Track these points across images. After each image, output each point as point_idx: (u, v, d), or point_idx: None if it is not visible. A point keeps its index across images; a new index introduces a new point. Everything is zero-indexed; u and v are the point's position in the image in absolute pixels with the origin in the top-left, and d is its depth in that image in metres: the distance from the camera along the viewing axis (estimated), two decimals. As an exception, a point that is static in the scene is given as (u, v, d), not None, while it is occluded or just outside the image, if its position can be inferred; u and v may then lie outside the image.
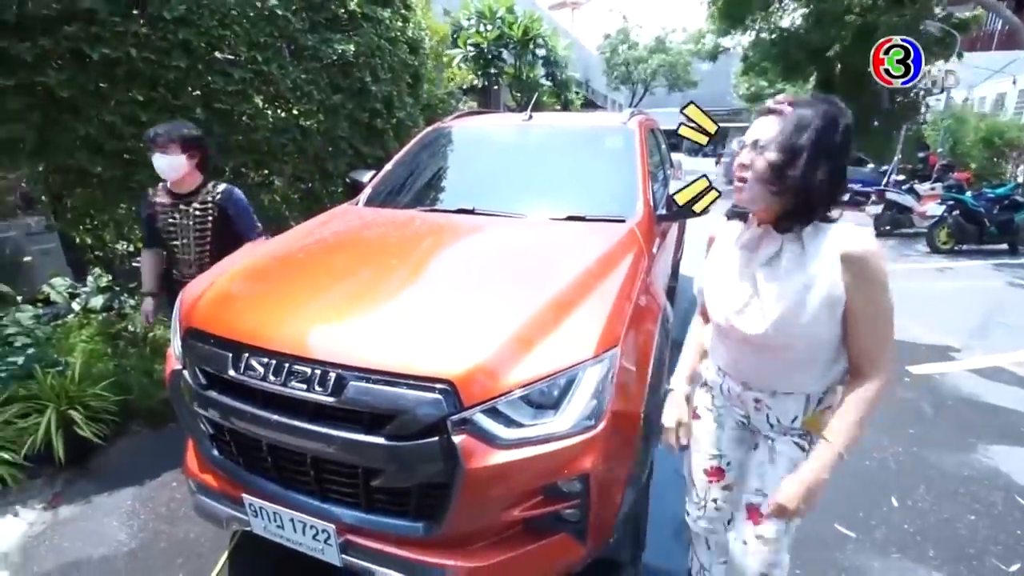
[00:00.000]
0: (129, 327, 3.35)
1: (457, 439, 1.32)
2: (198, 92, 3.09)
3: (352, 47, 3.85)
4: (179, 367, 1.71)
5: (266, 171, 3.71)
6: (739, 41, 18.80)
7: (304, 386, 1.41)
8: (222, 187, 2.54)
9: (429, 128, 3.39)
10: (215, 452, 1.71)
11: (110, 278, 3.46)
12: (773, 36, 16.93)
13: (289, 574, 1.96)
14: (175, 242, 2.52)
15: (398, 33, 4.59)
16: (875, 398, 1.17)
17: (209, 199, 2.49)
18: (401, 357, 1.39)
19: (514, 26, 12.60)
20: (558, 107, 14.45)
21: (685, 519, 1.61)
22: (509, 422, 1.37)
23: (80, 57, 2.60)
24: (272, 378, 1.45)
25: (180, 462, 2.63)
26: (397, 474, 1.39)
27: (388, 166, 3.14)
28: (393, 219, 2.53)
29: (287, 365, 1.44)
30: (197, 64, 3.03)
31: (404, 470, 1.37)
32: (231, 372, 1.51)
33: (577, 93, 16.40)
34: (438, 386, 1.33)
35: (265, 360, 1.48)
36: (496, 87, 12.93)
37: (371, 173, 3.39)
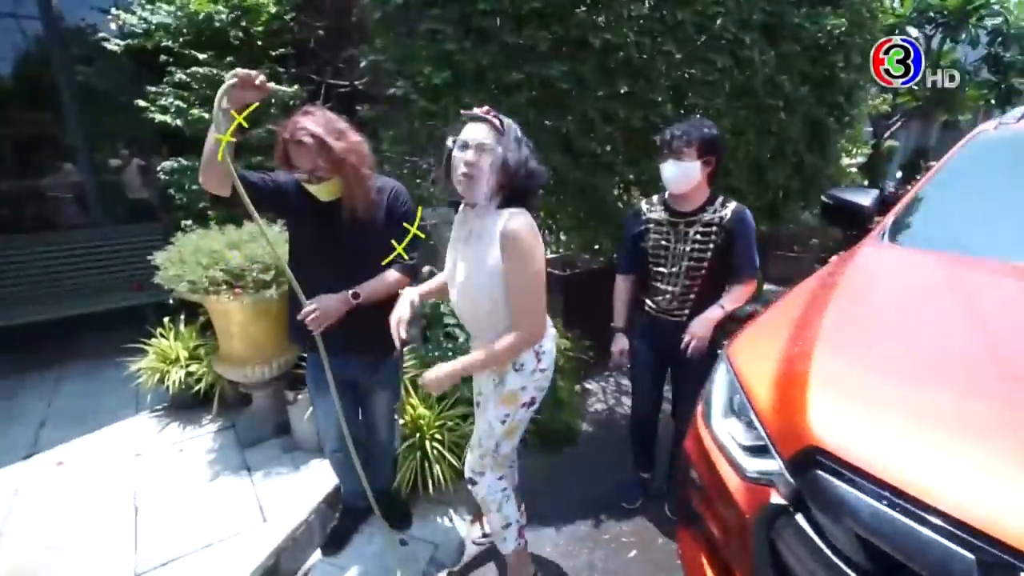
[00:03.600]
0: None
1: None
2: (668, 84, 2.62)
3: (843, 23, 2.92)
4: (782, 501, 1.09)
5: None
6: None
7: None
8: (732, 205, 1.95)
9: (991, 127, 2.21)
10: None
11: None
12: None
13: None
14: (661, 268, 2.04)
15: (878, 3, 3.46)
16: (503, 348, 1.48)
17: (716, 219, 1.93)
18: None
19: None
20: (983, 102, 10.57)
21: None
22: None
23: (584, 46, 2.35)
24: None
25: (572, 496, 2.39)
26: None
27: (928, 183, 2.13)
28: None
29: None
30: (679, 51, 2.54)
31: None
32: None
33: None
34: None
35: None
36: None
37: (872, 192, 2.43)
